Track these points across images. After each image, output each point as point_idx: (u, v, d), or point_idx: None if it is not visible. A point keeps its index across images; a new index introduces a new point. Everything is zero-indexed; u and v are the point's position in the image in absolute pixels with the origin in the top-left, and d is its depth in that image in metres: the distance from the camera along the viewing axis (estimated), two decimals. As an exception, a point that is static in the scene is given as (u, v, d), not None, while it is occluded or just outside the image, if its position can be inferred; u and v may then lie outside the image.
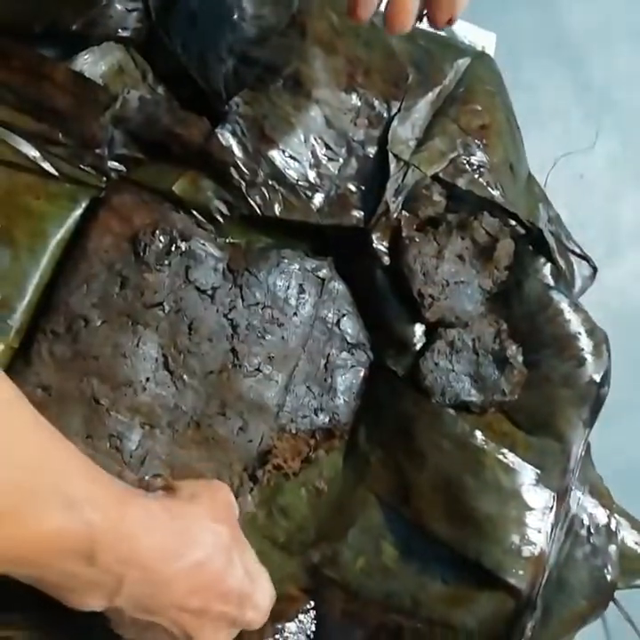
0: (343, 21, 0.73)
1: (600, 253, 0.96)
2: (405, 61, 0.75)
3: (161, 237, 0.65)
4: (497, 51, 0.96)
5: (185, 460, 0.65)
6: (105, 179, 0.66)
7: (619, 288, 1.07)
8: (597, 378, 0.74)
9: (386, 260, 0.72)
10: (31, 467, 0.46)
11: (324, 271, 0.72)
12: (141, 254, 0.65)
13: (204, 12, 0.69)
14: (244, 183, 0.68)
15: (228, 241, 0.69)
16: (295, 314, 0.70)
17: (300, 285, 0.70)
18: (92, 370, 0.63)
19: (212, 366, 0.67)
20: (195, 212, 0.68)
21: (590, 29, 1.16)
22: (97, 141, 0.64)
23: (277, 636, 0.66)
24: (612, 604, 0.74)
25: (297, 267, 0.70)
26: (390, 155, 0.72)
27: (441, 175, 0.74)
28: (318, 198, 0.70)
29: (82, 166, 0.65)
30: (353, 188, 0.72)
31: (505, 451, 0.70)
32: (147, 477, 0.63)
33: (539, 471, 0.70)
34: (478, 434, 0.70)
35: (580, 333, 0.75)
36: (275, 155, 0.69)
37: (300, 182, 0.69)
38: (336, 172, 0.71)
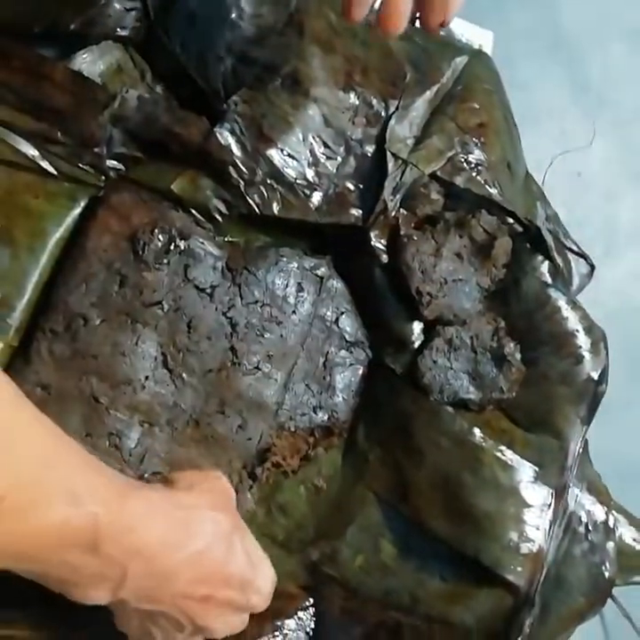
0: (341, 20, 0.73)
1: (598, 251, 0.97)
2: (403, 60, 0.75)
3: (160, 236, 0.66)
4: (494, 49, 0.97)
5: (184, 457, 0.65)
6: (104, 178, 0.66)
7: (616, 286, 1.07)
8: (595, 375, 0.74)
9: (384, 258, 0.72)
10: (34, 462, 0.46)
11: (323, 269, 0.72)
12: (140, 253, 0.65)
13: (203, 11, 0.69)
14: (242, 182, 0.68)
15: (226, 240, 0.69)
16: (294, 312, 0.70)
17: (299, 284, 0.71)
18: (92, 368, 0.63)
19: (211, 365, 0.67)
20: (193, 211, 0.68)
21: (587, 28, 1.16)
22: (96, 140, 0.64)
23: (277, 634, 0.66)
24: (610, 600, 0.75)
25: (295, 265, 0.71)
26: (388, 153, 0.72)
27: (439, 173, 0.74)
28: (317, 197, 0.70)
29: (81, 165, 0.65)
30: (351, 187, 0.72)
31: (503, 448, 0.70)
32: (146, 475, 0.63)
33: (537, 468, 0.71)
34: (476, 431, 0.71)
35: (577, 331, 0.75)
36: (273, 153, 0.69)
37: (298, 181, 0.70)
38: (334, 170, 0.71)
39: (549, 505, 0.70)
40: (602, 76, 1.15)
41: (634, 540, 0.77)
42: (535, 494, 0.70)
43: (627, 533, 0.77)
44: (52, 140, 0.64)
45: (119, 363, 0.64)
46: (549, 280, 0.77)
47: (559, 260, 0.79)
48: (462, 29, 0.96)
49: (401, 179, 0.72)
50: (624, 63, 1.16)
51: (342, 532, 0.70)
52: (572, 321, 0.75)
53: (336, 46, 0.72)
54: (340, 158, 0.71)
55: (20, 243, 0.63)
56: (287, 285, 0.70)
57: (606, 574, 0.73)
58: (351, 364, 0.73)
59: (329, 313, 0.73)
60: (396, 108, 0.73)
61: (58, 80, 0.64)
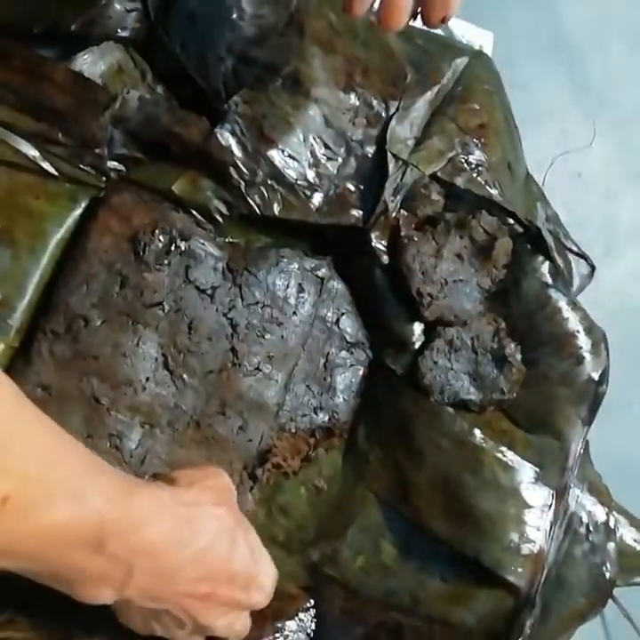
0: (342, 21, 0.73)
1: (598, 252, 0.97)
2: (403, 61, 0.75)
3: (160, 237, 0.66)
4: (494, 50, 0.97)
5: (185, 459, 0.65)
6: (104, 178, 0.66)
7: (616, 286, 1.07)
8: (596, 376, 0.74)
9: (385, 259, 0.72)
10: (37, 462, 0.46)
11: (323, 270, 0.72)
12: (141, 254, 0.65)
13: (203, 11, 0.69)
14: (243, 183, 0.68)
15: (227, 240, 0.69)
16: (294, 313, 0.70)
17: (300, 285, 0.71)
18: (92, 369, 0.63)
19: (211, 365, 0.67)
20: (194, 212, 0.68)
21: (587, 28, 1.16)
22: (96, 141, 0.64)
23: (277, 635, 0.66)
24: (610, 601, 0.75)
25: (296, 266, 0.71)
26: (389, 154, 0.72)
27: (439, 174, 0.74)
28: (317, 198, 0.70)
29: (81, 166, 0.65)
30: (352, 188, 0.72)
31: (504, 449, 0.70)
32: (146, 477, 0.63)
33: (537, 469, 0.71)
34: (477, 432, 0.71)
35: (578, 332, 0.75)
36: (274, 154, 0.69)
37: (298, 182, 0.70)
38: (335, 171, 0.71)
39: (550, 506, 0.70)
40: (602, 77, 1.15)
41: (634, 540, 0.77)
42: (536, 495, 0.70)
43: (627, 534, 0.77)
44: (52, 140, 0.64)
45: (120, 364, 0.64)
46: (550, 281, 0.77)
47: (559, 261, 0.79)
48: (463, 30, 0.96)
49: (401, 179, 0.72)
50: (624, 64, 1.16)
51: (343, 533, 0.70)
52: (573, 321, 0.75)
53: (337, 47, 0.73)
54: (340, 159, 0.71)
55: (20, 243, 0.63)
56: (288, 286, 0.70)
57: (607, 575, 0.73)
58: (352, 365, 0.73)
59: (330, 314, 0.73)
60: (397, 109, 0.73)
61: (58, 81, 0.64)
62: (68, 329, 0.63)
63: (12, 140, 0.63)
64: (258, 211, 0.69)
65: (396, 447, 0.71)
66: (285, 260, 0.70)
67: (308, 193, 0.70)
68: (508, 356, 0.73)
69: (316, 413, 0.71)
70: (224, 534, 0.56)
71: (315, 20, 0.72)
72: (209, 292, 0.67)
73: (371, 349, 0.74)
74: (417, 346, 0.73)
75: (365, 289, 0.73)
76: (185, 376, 0.66)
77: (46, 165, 0.64)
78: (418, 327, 0.73)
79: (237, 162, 0.68)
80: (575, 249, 0.82)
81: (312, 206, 0.70)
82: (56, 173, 0.64)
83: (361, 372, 0.74)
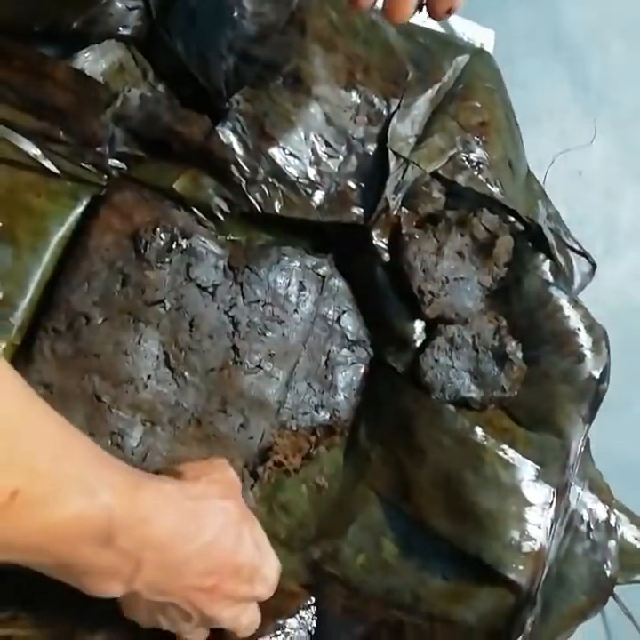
0: (342, 19, 0.73)
1: (599, 250, 0.97)
2: (404, 59, 0.75)
3: (162, 235, 0.66)
4: (495, 48, 0.97)
5: (186, 456, 0.65)
6: (106, 176, 0.66)
7: (617, 285, 1.07)
8: (597, 374, 0.74)
9: (386, 256, 0.72)
10: (46, 456, 0.46)
11: (325, 268, 0.72)
12: (142, 252, 0.65)
13: (204, 9, 0.69)
14: (244, 181, 0.68)
15: (228, 238, 0.69)
16: (296, 311, 0.70)
17: (301, 282, 0.71)
18: (94, 367, 0.63)
19: (212, 363, 0.67)
20: (195, 210, 0.68)
21: (588, 27, 1.16)
22: (98, 139, 0.65)
23: (278, 632, 0.66)
24: (611, 599, 0.75)
25: (297, 264, 0.71)
26: (390, 152, 0.72)
27: (440, 172, 0.74)
28: (318, 195, 0.70)
29: (83, 164, 0.65)
30: (353, 186, 0.72)
31: (505, 447, 0.70)
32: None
33: (538, 467, 0.71)
34: (478, 430, 0.71)
35: (579, 329, 0.75)
36: (275, 152, 0.69)
37: (300, 180, 0.70)
38: (336, 169, 0.71)
39: (551, 503, 0.70)
40: (602, 75, 1.15)
41: (635, 538, 0.77)
42: (537, 493, 0.70)
43: (628, 532, 0.77)
44: (53, 138, 0.64)
45: (121, 361, 0.64)
46: (551, 279, 0.77)
47: (560, 259, 0.79)
48: (464, 28, 0.96)
49: (402, 177, 0.72)
50: (624, 62, 1.16)
51: (344, 531, 0.70)
52: (574, 319, 0.75)
53: (338, 45, 0.72)
54: (341, 157, 0.72)
55: (22, 242, 0.63)
56: (289, 284, 0.70)
57: (608, 573, 0.73)
58: (353, 363, 0.73)
59: (331, 312, 0.73)
60: (398, 107, 0.73)
61: (60, 79, 0.64)
62: (70, 327, 0.63)
63: (14, 138, 0.63)
64: (259, 208, 0.69)
65: (397, 445, 0.72)
66: (286, 257, 0.70)
67: (310, 191, 0.70)
68: (508, 354, 0.73)
69: (317, 411, 0.71)
70: (230, 527, 0.56)
71: (316, 18, 0.72)
72: (210, 289, 0.67)
73: (372, 347, 0.74)
74: (418, 344, 0.73)
75: (366, 287, 0.73)
76: (186, 374, 0.66)
77: (48, 163, 0.64)
78: (419, 325, 0.73)
79: (238, 160, 0.68)
80: (576, 247, 0.83)
81: (313, 204, 0.70)
82: (57, 171, 0.65)
83: (362, 370, 0.74)
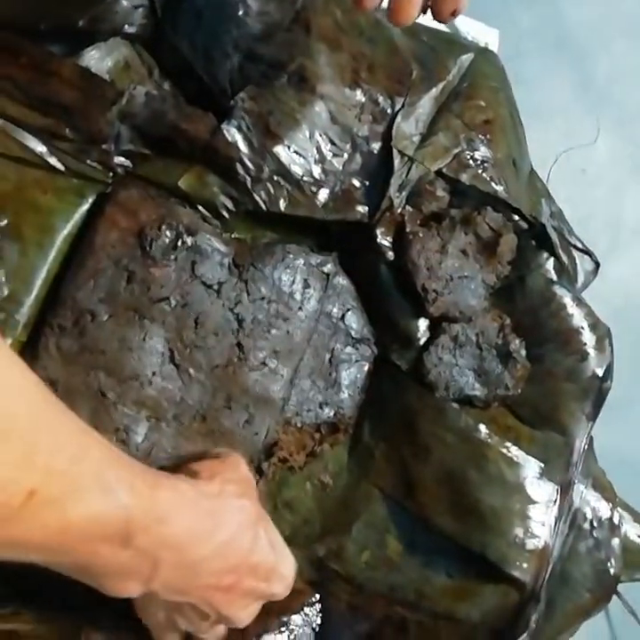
0: (347, 18, 0.74)
1: (602, 248, 0.97)
2: (409, 57, 0.75)
3: (167, 232, 0.66)
4: (500, 47, 0.97)
5: (191, 452, 0.65)
6: (111, 174, 0.66)
7: (621, 283, 1.07)
8: (600, 372, 0.74)
9: (390, 255, 0.72)
10: (63, 455, 0.45)
11: (329, 266, 0.72)
12: (148, 249, 0.65)
13: (210, 8, 0.69)
14: (249, 178, 0.68)
15: (233, 236, 0.69)
16: (300, 308, 0.70)
17: (305, 280, 0.71)
18: (99, 364, 0.63)
19: (217, 360, 0.67)
20: (200, 208, 0.68)
21: (592, 26, 1.16)
22: (103, 137, 0.65)
23: (283, 629, 0.66)
24: (615, 597, 0.75)
25: (302, 262, 0.71)
26: (394, 150, 0.72)
27: (444, 170, 0.74)
28: (323, 194, 0.71)
29: (88, 162, 0.65)
30: (357, 184, 0.72)
31: (509, 444, 0.71)
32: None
33: (542, 465, 0.71)
34: (482, 428, 0.71)
35: (582, 328, 0.75)
36: (280, 150, 0.69)
37: (304, 178, 0.70)
38: (340, 167, 0.71)
39: (555, 501, 0.70)
40: (606, 74, 1.15)
41: (638, 536, 0.77)
42: (540, 490, 0.70)
43: (631, 530, 0.77)
44: (59, 136, 0.64)
45: (126, 358, 0.64)
46: (554, 277, 0.77)
47: (564, 257, 0.79)
48: (468, 27, 0.96)
49: (407, 176, 0.72)
50: (628, 61, 1.16)
51: (348, 528, 0.70)
52: (577, 318, 0.75)
53: (342, 43, 0.73)
54: (346, 155, 0.72)
55: (28, 239, 0.63)
56: (293, 282, 0.70)
57: (611, 571, 0.73)
58: (357, 361, 0.73)
59: (335, 309, 0.73)
60: (403, 106, 0.73)
61: (66, 76, 0.64)
62: (75, 324, 0.63)
63: (20, 135, 0.63)
64: (264, 206, 0.69)
65: (400, 443, 0.72)
66: (291, 255, 0.70)
67: (314, 189, 0.70)
68: (512, 352, 0.73)
69: (321, 408, 0.71)
70: (246, 526, 0.56)
71: (320, 16, 0.73)
72: (215, 287, 0.67)
73: (376, 345, 0.74)
74: (422, 342, 0.73)
75: (370, 285, 0.73)
76: (191, 370, 0.66)
77: (54, 161, 0.64)
78: (423, 323, 0.73)
79: (243, 158, 0.68)
80: (580, 245, 0.83)
81: (318, 202, 0.70)
82: (63, 169, 0.65)
83: (366, 368, 0.74)
